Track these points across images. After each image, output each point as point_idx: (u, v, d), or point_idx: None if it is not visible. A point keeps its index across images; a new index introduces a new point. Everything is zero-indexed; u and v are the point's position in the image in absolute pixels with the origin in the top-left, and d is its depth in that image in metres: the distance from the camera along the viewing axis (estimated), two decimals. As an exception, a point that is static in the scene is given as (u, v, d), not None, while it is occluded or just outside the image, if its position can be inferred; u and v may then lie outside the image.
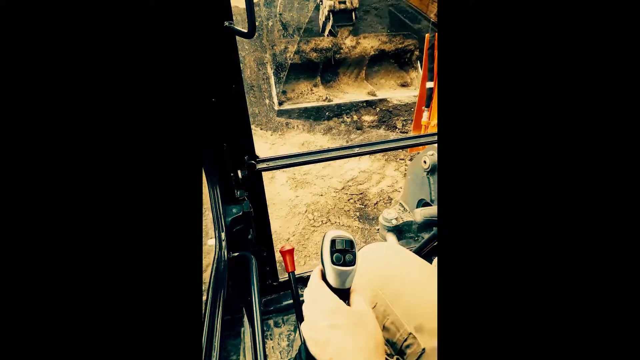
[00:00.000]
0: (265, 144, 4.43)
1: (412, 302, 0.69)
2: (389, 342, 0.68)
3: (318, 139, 4.58)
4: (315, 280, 0.57)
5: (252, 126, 4.53)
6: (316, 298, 0.55)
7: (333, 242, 0.56)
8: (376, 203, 3.29)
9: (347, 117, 4.91)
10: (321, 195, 3.41)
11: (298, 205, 3.26)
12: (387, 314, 0.69)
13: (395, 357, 0.67)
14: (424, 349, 0.63)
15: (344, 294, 0.55)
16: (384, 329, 0.69)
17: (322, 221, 3.09)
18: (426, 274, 0.76)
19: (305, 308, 0.56)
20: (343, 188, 3.50)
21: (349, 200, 3.34)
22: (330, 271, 0.55)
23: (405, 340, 0.66)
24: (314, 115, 4.82)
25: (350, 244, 0.56)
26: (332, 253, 0.55)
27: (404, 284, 0.73)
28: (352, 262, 0.55)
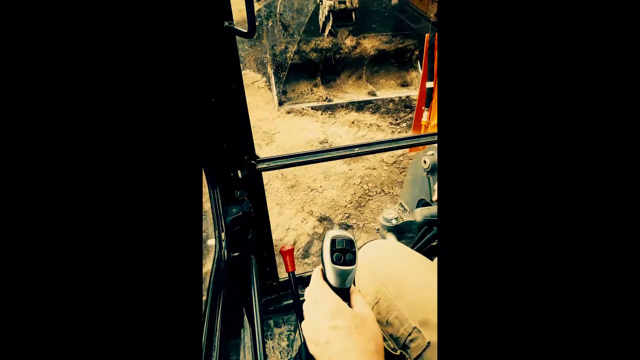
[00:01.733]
0: (316, 122, 4.55)
1: (416, 297, 0.70)
2: (392, 337, 0.68)
3: (367, 118, 4.68)
4: (316, 280, 0.57)
5: (304, 105, 4.63)
6: (317, 298, 0.55)
7: (333, 241, 0.56)
8: (429, 176, 3.54)
9: (395, 96, 5.01)
10: (374, 168, 3.57)
11: (352, 178, 3.46)
12: (390, 309, 0.70)
13: (399, 351, 0.67)
14: (429, 343, 0.63)
15: (344, 294, 0.55)
16: (388, 323, 0.69)
17: (376, 191, 3.28)
18: (429, 269, 0.76)
19: (306, 307, 0.56)
20: (394, 162, 3.65)
21: (401, 173, 3.51)
22: (331, 271, 0.55)
23: (410, 334, 0.66)
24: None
25: (350, 243, 0.56)
26: (332, 252, 0.55)
27: (407, 280, 0.73)
28: (352, 262, 0.55)
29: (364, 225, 2.91)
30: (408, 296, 0.70)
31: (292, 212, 3.04)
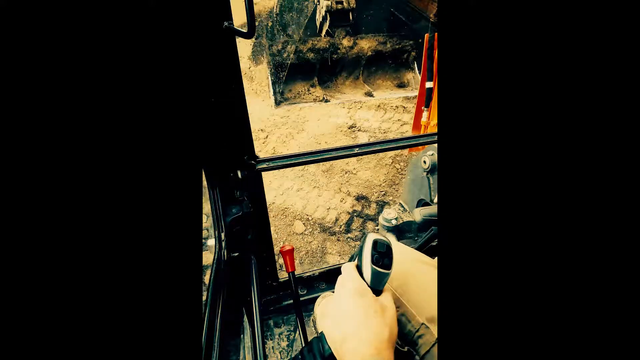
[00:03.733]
0: (342, 108, 4.79)
1: (422, 295, 0.70)
2: (400, 334, 0.69)
3: (392, 101, 4.96)
4: (349, 269, 0.59)
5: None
6: (346, 280, 0.57)
7: (375, 243, 0.58)
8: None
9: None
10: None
11: (384, 159, 3.69)
12: (397, 306, 0.70)
13: (406, 348, 0.67)
14: (437, 339, 0.64)
15: (376, 295, 0.57)
16: None
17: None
18: (433, 267, 0.77)
19: (335, 291, 0.58)
20: (424, 142, 3.96)
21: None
22: (369, 270, 0.57)
23: (417, 330, 0.66)
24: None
25: (389, 248, 0.58)
26: (373, 253, 0.57)
27: (413, 278, 0.74)
28: (389, 266, 0.57)
29: (396, 203, 3.17)
30: (414, 294, 0.71)
31: (330, 193, 3.25)
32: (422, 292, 0.71)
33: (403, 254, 0.81)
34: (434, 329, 0.65)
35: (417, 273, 0.75)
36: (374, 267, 0.56)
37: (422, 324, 0.66)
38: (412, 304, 0.69)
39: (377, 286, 0.57)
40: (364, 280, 0.57)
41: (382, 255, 0.57)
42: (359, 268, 0.59)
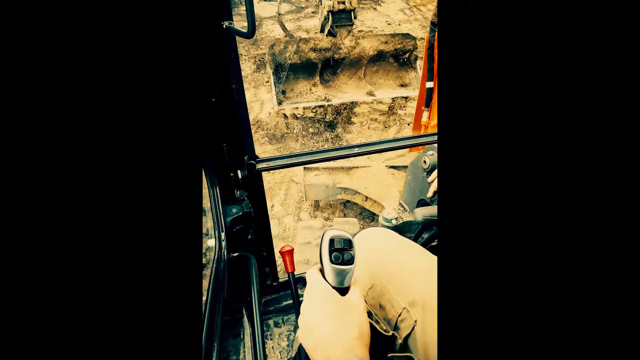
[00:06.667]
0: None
1: (404, 279, 0.72)
2: (386, 320, 0.71)
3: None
4: (312, 274, 0.58)
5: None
6: (312, 289, 0.56)
7: (332, 241, 0.56)
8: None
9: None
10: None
11: None
12: (382, 293, 0.72)
13: (391, 332, 0.68)
14: (415, 321, 0.65)
15: (343, 293, 0.56)
16: (381, 307, 0.71)
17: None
18: (415, 252, 0.79)
19: (303, 301, 0.57)
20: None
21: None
22: (329, 270, 0.55)
23: (400, 315, 0.68)
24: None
25: (348, 243, 0.56)
26: (330, 252, 0.55)
27: (398, 263, 0.76)
28: (350, 261, 0.55)
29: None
30: (397, 279, 0.72)
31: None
32: (404, 277, 0.72)
33: (388, 242, 0.82)
34: (412, 312, 0.66)
35: (400, 259, 0.77)
36: (333, 265, 0.55)
37: (404, 307, 0.67)
38: (396, 289, 0.70)
39: (341, 284, 0.55)
40: (328, 282, 0.56)
41: (342, 252, 0.55)
42: (322, 271, 0.57)
